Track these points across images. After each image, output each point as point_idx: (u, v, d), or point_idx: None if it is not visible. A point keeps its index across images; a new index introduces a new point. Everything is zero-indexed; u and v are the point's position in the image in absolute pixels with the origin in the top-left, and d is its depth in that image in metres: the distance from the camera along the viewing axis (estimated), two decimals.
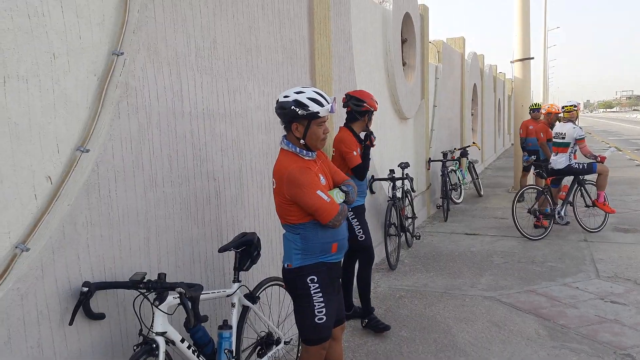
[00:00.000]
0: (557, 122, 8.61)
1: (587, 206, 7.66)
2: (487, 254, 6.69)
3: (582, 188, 7.65)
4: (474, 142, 12.01)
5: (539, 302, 4.95)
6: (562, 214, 7.55)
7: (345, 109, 4.47)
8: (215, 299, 3.23)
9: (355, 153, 4.27)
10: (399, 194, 6.56)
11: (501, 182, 13.34)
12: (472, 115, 14.45)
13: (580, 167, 7.39)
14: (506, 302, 4.99)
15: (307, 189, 2.66)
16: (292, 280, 2.84)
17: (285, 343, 3.41)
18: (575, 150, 7.49)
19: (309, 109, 2.69)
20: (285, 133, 2.82)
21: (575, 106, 7.64)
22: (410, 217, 7.23)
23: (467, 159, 11.07)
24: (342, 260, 4.56)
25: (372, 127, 6.24)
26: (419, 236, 7.34)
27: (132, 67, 2.57)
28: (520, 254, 6.62)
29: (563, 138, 7.45)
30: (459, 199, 10.52)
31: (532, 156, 10.17)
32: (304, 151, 2.77)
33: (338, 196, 2.82)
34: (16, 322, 1.97)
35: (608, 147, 8.57)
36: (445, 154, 9.36)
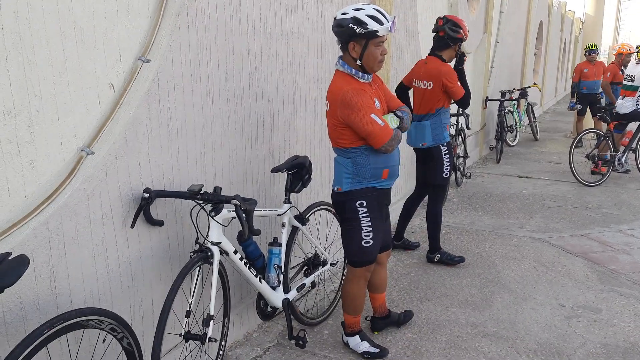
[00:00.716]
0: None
1: None
2: (539, 197, 6.53)
3: None
4: (534, 83, 11.44)
5: (590, 247, 4.84)
6: (623, 161, 7.21)
7: (434, 35, 4.18)
8: (266, 217, 3.31)
9: (458, 84, 4.10)
10: (452, 131, 6.40)
11: (559, 127, 12.80)
12: (535, 54, 13.72)
13: None
14: (555, 245, 4.91)
15: (361, 112, 2.62)
16: (342, 203, 2.86)
17: (331, 265, 3.49)
18: None
19: (368, 26, 2.60)
20: (341, 53, 2.75)
21: None
22: (462, 156, 7.08)
23: (526, 100, 10.61)
24: (414, 191, 4.63)
25: None
26: (469, 176, 7.22)
27: None
28: (574, 199, 6.42)
29: (632, 81, 6.99)
30: (513, 141, 10.20)
31: (579, 105, 9.69)
32: (360, 73, 2.71)
33: (392, 121, 2.77)
34: (83, 219, 2.08)
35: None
36: (503, 94, 9.00)
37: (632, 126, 7.47)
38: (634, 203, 6.24)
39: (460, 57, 4.23)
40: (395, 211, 5.37)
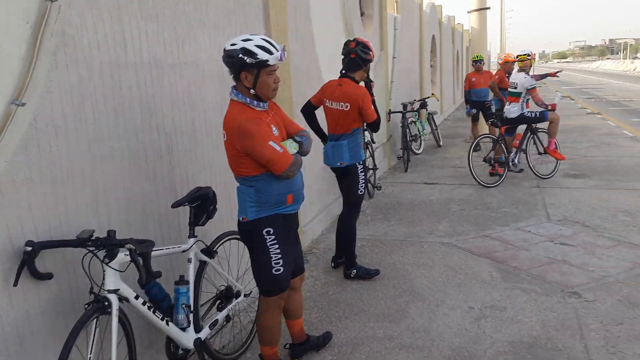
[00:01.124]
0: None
1: (539, 153, 7.88)
2: (445, 202, 6.83)
3: (535, 136, 7.83)
4: (432, 94, 12.06)
5: (493, 246, 5.12)
6: (516, 162, 7.75)
7: (345, 57, 4.30)
8: (171, 255, 3.19)
9: (372, 107, 4.23)
10: None
11: (459, 133, 13.53)
12: (431, 66, 14.46)
13: (533, 115, 7.54)
14: (462, 247, 5.14)
15: (259, 140, 2.60)
16: (248, 232, 2.82)
17: (245, 296, 3.42)
18: (528, 99, 7.62)
19: (258, 56, 2.60)
20: (234, 83, 2.73)
21: (528, 55, 7.71)
22: (371, 169, 7.27)
23: (427, 110, 11.14)
24: (341, 213, 4.66)
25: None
26: (380, 187, 7.42)
27: (68, 14, 2.41)
28: (476, 201, 6.79)
29: (515, 88, 7.55)
30: (419, 149, 10.63)
31: (473, 109, 10.53)
32: (255, 101, 2.69)
33: (291, 147, 2.78)
34: None
35: (555, 93, 8.71)
36: (405, 106, 9.38)
37: (521, 129, 8.04)
38: (528, 200, 6.69)
39: (368, 84, 4.37)
40: (305, 232, 5.39)
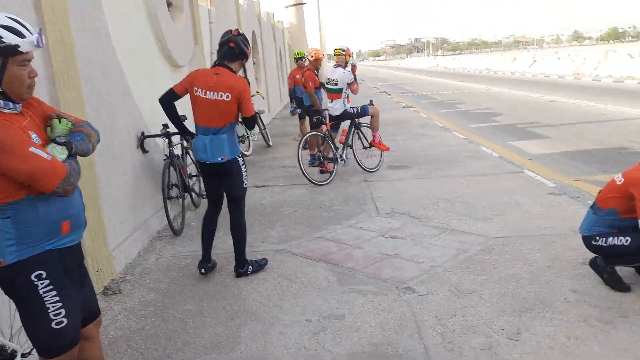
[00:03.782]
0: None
1: (364, 148, 8.01)
2: (278, 205, 6.52)
3: (359, 131, 7.94)
4: (257, 92, 11.76)
5: (328, 248, 4.90)
6: (344, 157, 7.76)
7: (223, 46, 4.10)
8: None
9: (252, 102, 4.12)
10: (177, 151, 5.91)
11: (288, 131, 13.47)
12: (254, 64, 14.17)
13: (355, 111, 7.62)
14: (297, 253, 4.83)
15: (14, 150, 1.92)
16: (10, 280, 2.09)
17: (23, 356, 2.63)
18: (348, 94, 7.68)
19: (3, 40, 1.90)
20: None
21: (343, 50, 7.74)
22: (194, 175, 6.65)
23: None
24: (210, 208, 4.44)
25: (136, 77, 5.43)
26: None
27: None
28: (308, 201, 6.59)
29: (336, 84, 7.54)
30: (247, 151, 10.24)
31: (299, 109, 10.39)
32: (2, 101, 1.99)
33: (56, 151, 2.10)
34: None
35: (351, 60, 8.75)
36: None
37: (345, 125, 8.09)
38: (358, 196, 6.69)
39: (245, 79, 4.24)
40: (116, 258, 4.64)
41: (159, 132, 5.60)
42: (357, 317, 3.56)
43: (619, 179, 3.61)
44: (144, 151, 5.46)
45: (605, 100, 15.58)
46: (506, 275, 4.04)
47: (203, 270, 4.43)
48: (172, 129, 5.79)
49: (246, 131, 10.02)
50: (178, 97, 4.17)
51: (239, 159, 4.21)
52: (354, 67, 7.87)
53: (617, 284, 3.61)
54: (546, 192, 6.20)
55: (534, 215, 5.39)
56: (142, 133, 5.42)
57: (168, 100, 4.15)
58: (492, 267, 4.20)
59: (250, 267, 4.39)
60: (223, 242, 5.20)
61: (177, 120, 4.28)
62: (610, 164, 7.79)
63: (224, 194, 4.40)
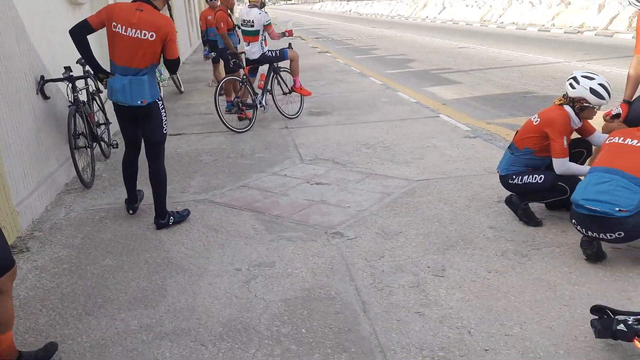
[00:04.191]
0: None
1: (284, 93, 7.83)
2: (196, 154, 6.26)
3: (278, 76, 7.72)
4: None
5: (253, 196, 4.79)
6: (264, 103, 7.55)
7: None
8: None
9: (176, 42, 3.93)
10: (83, 97, 5.43)
11: (201, 77, 12.91)
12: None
13: (274, 54, 7.37)
14: (220, 202, 4.68)
15: None
16: None
17: None
18: (265, 37, 7.40)
19: None
20: None
21: None
22: (103, 124, 6.18)
23: None
24: (128, 152, 4.27)
25: (31, 15, 4.87)
26: (117, 144, 6.40)
27: None
28: (228, 150, 6.38)
29: (252, 26, 7.22)
30: None
31: (213, 52, 9.84)
32: None
33: None
34: None
35: (287, 20, 8.70)
36: None
37: (263, 69, 7.83)
38: (280, 142, 6.57)
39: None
40: (21, 213, 4.27)
41: (61, 76, 5.09)
42: (287, 263, 3.53)
43: (535, 119, 3.77)
44: (45, 97, 4.95)
45: (510, 47, 16.30)
46: (429, 215, 4.16)
47: (131, 211, 4.34)
48: (77, 72, 5.29)
49: (156, 75, 9.47)
50: (92, 30, 3.82)
51: (159, 102, 4.01)
52: (290, 31, 7.58)
53: (530, 220, 3.83)
54: (461, 136, 6.43)
55: (452, 158, 5.57)
56: (42, 77, 4.89)
57: (80, 32, 3.79)
58: (416, 208, 4.31)
59: (172, 217, 4.21)
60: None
61: (89, 55, 3.92)
62: (517, 108, 8.20)
63: (139, 139, 4.21)
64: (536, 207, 4.02)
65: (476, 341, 2.62)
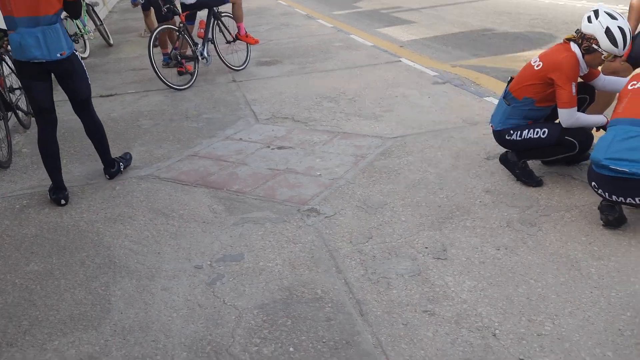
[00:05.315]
0: None
1: (228, 42, 6.97)
2: (133, 118, 5.42)
3: (220, 22, 6.83)
4: None
5: (206, 168, 4.09)
6: (206, 55, 6.66)
7: None
8: None
9: None
10: None
11: (131, 26, 11.60)
12: None
13: None
14: (167, 178, 3.97)
15: None
16: None
17: None
18: None
19: None
20: None
21: None
22: (17, 88, 5.20)
23: (84, 1, 8.87)
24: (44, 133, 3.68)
25: None
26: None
27: None
28: (170, 111, 5.56)
29: None
30: (84, 52, 8.55)
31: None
32: None
33: None
34: None
35: None
36: None
37: (202, 16, 6.89)
38: (228, 99, 5.80)
39: None
40: None
41: None
42: (258, 254, 2.93)
43: (536, 63, 3.22)
44: None
45: None
46: (413, 181, 3.63)
47: (63, 201, 3.65)
48: None
49: (79, 28, 8.31)
50: None
51: (77, 53, 3.64)
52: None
53: (529, 179, 3.37)
54: (430, 82, 5.87)
55: (424, 109, 5.03)
56: None
57: None
58: (397, 173, 3.77)
59: (121, 163, 4.03)
60: (68, 171, 4.12)
61: None
62: (478, 47, 7.70)
63: (54, 105, 3.68)
64: (531, 163, 3.56)
65: (505, 347, 2.15)
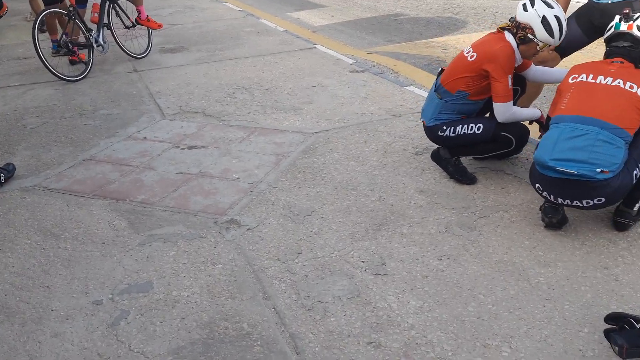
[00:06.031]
0: None
1: (126, 27, 6.27)
2: (16, 117, 4.67)
3: (116, 5, 6.12)
4: None
5: (105, 174, 3.55)
6: (102, 42, 5.94)
7: None
8: None
9: None
10: None
11: (15, 8, 10.28)
12: None
13: None
14: (58, 189, 3.39)
15: None
16: None
17: None
18: None
19: None
20: None
21: None
22: None
23: None
24: None
25: None
26: None
27: None
28: (62, 107, 4.86)
29: None
30: None
31: None
32: None
33: None
34: None
35: None
36: None
37: None
38: (129, 92, 5.18)
39: None
40: None
41: None
42: (170, 282, 2.50)
43: (469, 53, 3.01)
44: None
45: None
46: (341, 181, 3.33)
47: None
48: None
49: None
50: None
51: None
52: None
53: (463, 177, 3.18)
54: (348, 70, 5.59)
55: (345, 100, 4.74)
56: None
57: None
58: (323, 173, 3.45)
59: (2, 175, 3.43)
60: None
61: None
62: (392, 33, 7.54)
63: None
64: (463, 158, 3.37)
65: None
